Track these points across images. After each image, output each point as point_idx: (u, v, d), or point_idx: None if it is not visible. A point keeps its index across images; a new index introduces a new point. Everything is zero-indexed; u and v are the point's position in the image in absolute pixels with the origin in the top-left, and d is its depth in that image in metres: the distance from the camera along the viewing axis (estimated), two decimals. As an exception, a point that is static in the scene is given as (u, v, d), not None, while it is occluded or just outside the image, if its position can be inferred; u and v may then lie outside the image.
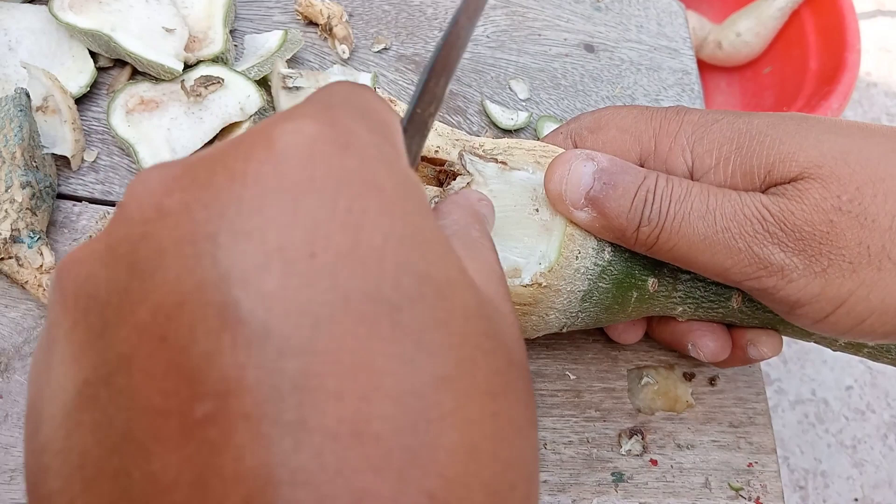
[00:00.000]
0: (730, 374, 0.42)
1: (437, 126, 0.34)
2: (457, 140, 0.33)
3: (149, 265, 0.15)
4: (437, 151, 0.33)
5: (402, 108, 0.34)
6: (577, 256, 0.32)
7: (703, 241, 0.30)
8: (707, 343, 0.36)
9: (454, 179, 0.33)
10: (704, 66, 1.20)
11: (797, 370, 0.98)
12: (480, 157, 0.33)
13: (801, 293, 0.29)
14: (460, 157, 0.33)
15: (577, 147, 0.35)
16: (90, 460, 0.14)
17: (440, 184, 0.34)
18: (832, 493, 0.90)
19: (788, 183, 0.30)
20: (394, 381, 0.14)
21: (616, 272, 0.33)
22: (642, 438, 0.39)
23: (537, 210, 0.32)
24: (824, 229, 0.28)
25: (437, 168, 0.33)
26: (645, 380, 0.40)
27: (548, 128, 0.46)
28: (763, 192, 0.30)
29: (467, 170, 0.33)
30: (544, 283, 0.32)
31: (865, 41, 1.02)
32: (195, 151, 0.40)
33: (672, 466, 0.39)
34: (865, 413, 0.97)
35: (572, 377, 0.40)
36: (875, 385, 0.98)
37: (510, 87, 0.48)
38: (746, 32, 1.07)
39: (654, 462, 0.39)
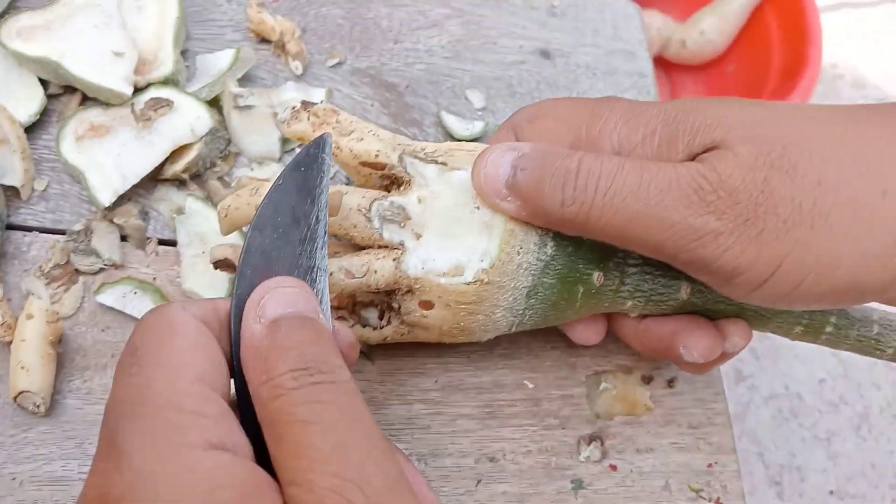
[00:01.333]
0: (688, 375, 0.42)
1: (379, 132, 0.34)
2: (398, 144, 0.34)
3: None
4: (377, 155, 0.33)
5: (346, 118, 0.34)
6: (518, 252, 0.33)
7: (637, 216, 0.29)
8: (698, 341, 0.35)
9: (399, 185, 0.34)
10: (670, 66, 1.21)
11: (770, 365, 0.99)
12: (420, 159, 0.33)
13: (737, 260, 0.29)
14: (400, 159, 0.33)
15: (518, 139, 0.36)
16: None
17: (387, 189, 0.35)
18: (808, 486, 0.91)
19: (716, 149, 0.30)
20: None
21: (560, 266, 0.34)
22: (601, 444, 0.39)
23: (478, 208, 0.33)
24: (759, 188, 0.28)
25: (380, 172, 0.34)
26: (603, 385, 0.41)
27: (503, 137, 0.46)
28: (693, 161, 0.30)
29: (408, 172, 0.33)
30: (486, 280, 0.32)
31: (830, 33, 1.03)
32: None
33: (631, 471, 0.39)
34: (839, 405, 0.98)
35: (530, 386, 0.40)
36: (847, 377, 0.99)
37: (466, 97, 0.48)
38: (710, 30, 1.08)
39: (614, 467, 0.39)
